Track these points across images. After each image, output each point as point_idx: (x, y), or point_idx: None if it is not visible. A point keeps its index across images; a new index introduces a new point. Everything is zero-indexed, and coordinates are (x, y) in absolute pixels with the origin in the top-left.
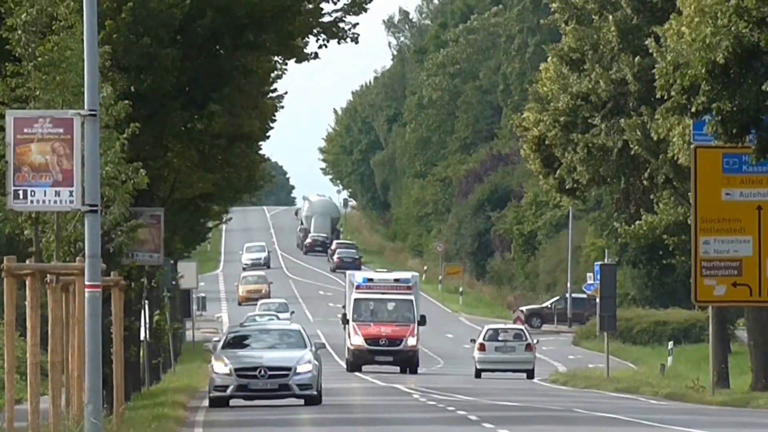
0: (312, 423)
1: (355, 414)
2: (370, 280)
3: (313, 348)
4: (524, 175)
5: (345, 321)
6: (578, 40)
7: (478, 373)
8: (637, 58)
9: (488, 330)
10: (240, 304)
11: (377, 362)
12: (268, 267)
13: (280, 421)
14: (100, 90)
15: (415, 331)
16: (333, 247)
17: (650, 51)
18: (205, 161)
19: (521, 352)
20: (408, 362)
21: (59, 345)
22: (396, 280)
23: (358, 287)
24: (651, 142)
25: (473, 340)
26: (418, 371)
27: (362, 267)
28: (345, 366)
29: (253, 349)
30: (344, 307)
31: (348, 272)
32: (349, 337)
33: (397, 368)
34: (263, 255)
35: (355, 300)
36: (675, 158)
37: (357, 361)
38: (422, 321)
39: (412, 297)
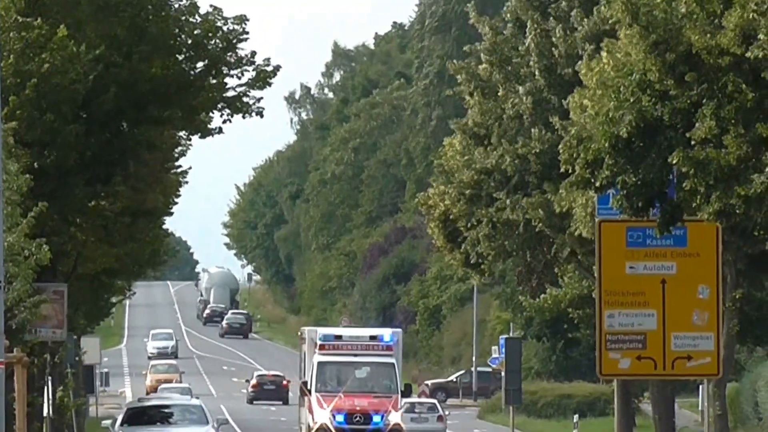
0: None
1: None
2: (339, 337)
3: (215, 424)
4: (429, 248)
5: (306, 391)
6: (483, 114)
7: None
8: (547, 135)
9: (405, 403)
10: (148, 393)
11: None
12: (176, 357)
13: None
14: (6, 167)
15: (399, 405)
16: (227, 315)
17: (556, 127)
18: (109, 236)
19: (434, 422)
20: None
21: None
22: (372, 338)
23: (322, 347)
24: (554, 218)
25: None
26: None
27: (250, 334)
28: None
29: (153, 425)
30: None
31: (307, 329)
32: (311, 412)
33: None
34: (170, 343)
35: (319, 363)
36: (578, 232)
37: None
38: (407, 391)
39: (393, 360)
